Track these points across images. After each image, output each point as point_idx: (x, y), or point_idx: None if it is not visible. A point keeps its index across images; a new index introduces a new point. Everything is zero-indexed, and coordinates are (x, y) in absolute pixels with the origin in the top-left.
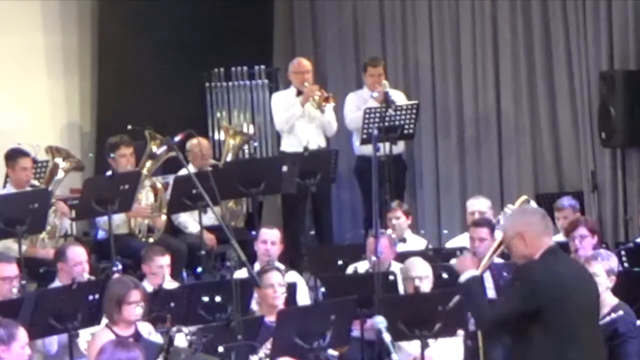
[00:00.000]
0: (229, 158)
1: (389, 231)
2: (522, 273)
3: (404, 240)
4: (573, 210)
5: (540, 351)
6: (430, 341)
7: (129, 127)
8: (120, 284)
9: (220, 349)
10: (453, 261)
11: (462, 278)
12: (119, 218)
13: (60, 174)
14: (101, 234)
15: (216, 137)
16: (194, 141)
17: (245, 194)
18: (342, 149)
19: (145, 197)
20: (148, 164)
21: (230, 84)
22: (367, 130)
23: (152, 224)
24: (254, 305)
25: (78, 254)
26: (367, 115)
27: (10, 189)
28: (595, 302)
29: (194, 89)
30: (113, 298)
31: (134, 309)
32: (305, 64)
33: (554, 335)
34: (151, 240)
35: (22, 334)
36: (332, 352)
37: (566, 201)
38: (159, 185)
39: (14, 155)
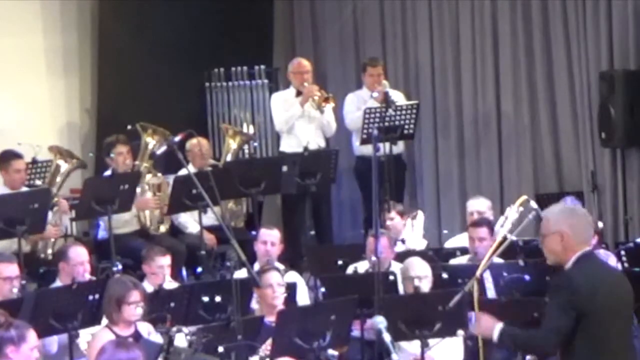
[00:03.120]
0: (229, 158)
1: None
2: (560, 282)
3: (402, 240)
4: None
5: (579, 357)
6: (432, 341)
7: (129, 127)
8: (120, 284)
9: (220, 349)
10: (454, 261)
11: (495, 337)
12: (128, 213)
13: (63, 174)
14: (102, 234)
15: (216, 137)
16: (193, 141)
17: (245, 194)
18: (342, 149)
19: (150, 190)
20: (148, 163)
21: (230, 84)
22: (367, 130)
23: (160, 215)
24: (254, 305)
25: (79, 254)
26: (367, 115)
27: (5, 190)
28: (630, 307)
29: (194, 89)
30: (113, 298)
31: (134, 309)
32: (305, 64)
33: (590, 342)
34: (163, 230)
35: (32, 336)
36: (332, 352)
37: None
38: (162, 177)
39: (7, 157)
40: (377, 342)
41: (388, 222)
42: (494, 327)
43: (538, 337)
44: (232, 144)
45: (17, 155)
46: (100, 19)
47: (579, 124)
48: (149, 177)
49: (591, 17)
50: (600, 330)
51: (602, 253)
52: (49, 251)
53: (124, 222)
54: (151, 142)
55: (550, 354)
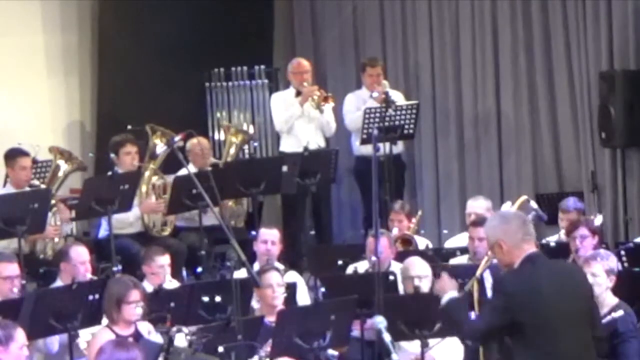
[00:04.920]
0: (231, 158)
1: (395, 230)
2: (497, 286)
3: None
4: (578, 213)
5: None
6: (432, 341)
7: (129, 127)
8: (119, 284)
9: (220, 349)
10: (453, 260)
11: (443, 301)
12: (132, 215)
13: (63, 175)
14: (103, 233)
15: (216, 137)
16: (194, 141)
17: (245, 194)
18: (342, 149)
19: (155, 193)
20: (152, 164)
21: (230, 84)
22: (367, 130)
23: (164, 218)
24: (254, 304)
25: (80, 253)
26: (367, 115)
27: (9, 189)
28: (583, 308)
29: (194, 89)
30: (113, 298)
31: (134, 309)
32: (305, 64)
33: (534, 347)
34: (165, 233)
35: (20, 334)
36: (332, 352)
37: (572, 203)
38: (168, 179)
39: (14, 154)
40: (377, 342)
41: (396, 224)
42: (447, 292)
43: (470, 325)
44: (234, 142)
45: (23, 153)
46: (100, 19)
47: (579, 124)
48: (154, 179)
49: (591, 17)
50: (542, 336)
51: (602, 253)
52: (49, 251)
53: (129, 224)
54: (159, 144)
55: (472, 342)
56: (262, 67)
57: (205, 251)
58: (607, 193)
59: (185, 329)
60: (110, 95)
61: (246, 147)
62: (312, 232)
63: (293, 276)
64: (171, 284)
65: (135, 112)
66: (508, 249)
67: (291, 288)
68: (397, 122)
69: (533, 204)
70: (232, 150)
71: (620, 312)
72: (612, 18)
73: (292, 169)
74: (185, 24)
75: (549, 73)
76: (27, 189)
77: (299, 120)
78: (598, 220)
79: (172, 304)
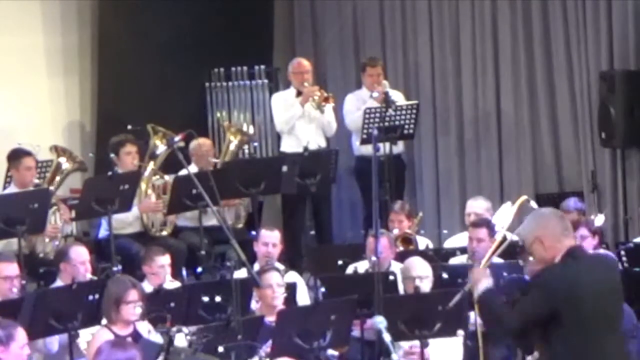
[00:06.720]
0: (229, 156)
1: (396, 231)
2: (537, 277)
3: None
4: (578, 213)
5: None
6: (430, 340)
7: (129, 127)
8: (118, 284)
9: (220, 349)
10: (453, 260)
11: (478, 292)
12: (131, 215)
13: (63, 173)
14: (104, 233)
15: (216, 137)
16: (199, 141)
17: (245, 194)
18: (342, 149)
19: (155, 193)
20: (151, 163)
21: (230, 84)
22: (367, 130)
23: (163, 218)
24: (253, 305)
25: (80, 253)
26: (367, 115)
27: (13, 189)
28: (616, 308)
29: (194, 89)
30: (111, 298)
31: (132, 309)
32: (305, 64)
33: (573, 341)
34: (165, 233)
35: (20, 334)
36: (332, 352)
37: (573, 203)
38: (168, 179)
39: (18, 155)
40: (377, 342)
41: (396, 224)
42: (483, 283)
43: (506, 315)
44: (233, 141)
45: (27, 153)
46: (100, 19)
47: (579, 124)
48: (154, 179)
49: (591, 17)
50: (581, 330)
51: (602, 253)
52: (48, 249)
53: (128, 224)
54: (159, 145)
55: (506, 336)
56: (262, 67)
57: (205, 251)
58: (607, 193)
59: (185, 329)
60: (110, 95)
61: (246, 147)
62: (312, 232)
63: (293, 276)
64: (171, 284)
65: (135, 112)
66: (550, 244)
67: (291, 288)
68: (397, 122)
69: (533, 204)
70: (231, 149)
71: None
72: (612, 18)
73: (292, 169)
74: (185, 24)
75: (549, 73)
76: (30, 188)
77: (299, 121)
78: (600, 219)
79: (172, 304)
